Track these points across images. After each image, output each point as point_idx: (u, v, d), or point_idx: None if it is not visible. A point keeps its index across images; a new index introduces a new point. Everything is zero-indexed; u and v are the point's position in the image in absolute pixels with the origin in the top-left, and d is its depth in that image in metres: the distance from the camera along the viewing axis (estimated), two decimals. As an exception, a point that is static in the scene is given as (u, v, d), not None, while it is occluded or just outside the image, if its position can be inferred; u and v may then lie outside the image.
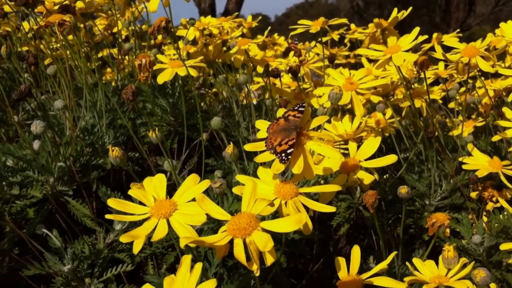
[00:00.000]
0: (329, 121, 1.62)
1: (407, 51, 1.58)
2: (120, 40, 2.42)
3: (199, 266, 0.84)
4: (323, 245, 1.78)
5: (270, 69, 1.81)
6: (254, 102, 2.30)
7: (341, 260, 1.19)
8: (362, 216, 1.65)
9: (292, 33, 1.92)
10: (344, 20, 1.94)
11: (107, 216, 0.96)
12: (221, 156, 1.72)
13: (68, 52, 1.83)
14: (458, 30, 3.00)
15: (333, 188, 1.13)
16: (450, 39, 1.89)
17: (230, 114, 2.16)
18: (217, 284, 1.21)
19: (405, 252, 1.54)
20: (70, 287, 1.32)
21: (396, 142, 1.98)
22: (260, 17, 2.56)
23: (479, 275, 1.08)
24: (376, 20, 1.84)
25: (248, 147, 1.13)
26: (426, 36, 1.63)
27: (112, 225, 1.44)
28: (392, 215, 1.72)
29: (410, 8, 1.84)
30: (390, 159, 1.31)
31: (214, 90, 2.71)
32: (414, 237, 1.77)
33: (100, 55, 2.76)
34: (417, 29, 1.61)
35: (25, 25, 2.16)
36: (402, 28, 1.78)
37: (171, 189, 1.03)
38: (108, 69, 2.99)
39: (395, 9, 1.88)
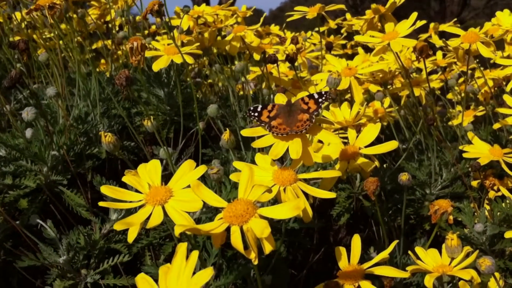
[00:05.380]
0: (327, 108, 1.60)
1: (405, 37, 1.55)
2: (114, 31, 2.39)
3: (195, 254, 0.81)
4: (323, 235, 1.76)
5: (267, 55, 1.77)
6: (251, 93, 2.27)
7: (342, 250, 1.17)
8: (362, 206, 1.63)
9: (288, 19, 1.89)
10: (342, 6, 1.91)
11: (101, 204, 0.93)
12: (218, 146, 1.69)
13: (61, 41, 1.80)
14: (455, 19, 2.97)
15: (333, 173, 1.10)
16: (450, 27, 1.86)
17: (226, 104, 2.13)
18: (216, 275, 1.19)
19: (406, 242, 1.52)
20: (65, 279, 1.29)
21: (395, 132, 1.96)
22: (254, 7, 2.53)
23: (485, 264, 1.05)
24: (373, 5, 1.81)
25: (245, 132, 1.10)
26: (424, 21, 1.60)
27: (108, 215, 1.41)
28: (392, 205, 1.70)
29: None
30: (390, 145, 1.29)
31: (209, 81, 2.68)
32: (415, 226, 1.74)
33: (94, 46, 2.72)
34: (414, 14, 1.57)
35: (17, 14, 2.13)
36: (397, 20, 1.75)
37: (167, 179, 1.00)
38: (102, 61, 2.96)
39: None
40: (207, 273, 0.78)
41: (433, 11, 15.87)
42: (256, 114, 1.13)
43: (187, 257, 0.82)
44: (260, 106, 1.14)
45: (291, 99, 1.17)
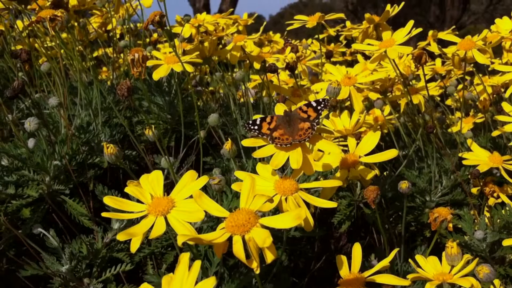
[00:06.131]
0: (327, 117, 1.61)
1: (402, 44, 1.56)
2: (115, 39, 2.40)
3: (197, 264, 0.82)
4: (324, 243, 1.76)
5: (267, 65, 1.78)
6: (252, 100, 2.28)
7: (343, 258, 1.17)
8: (363, 213, 1.63)
9: (288, 28, 1.90)
10: (341, 15, 1.92)
11: (104, 214, 0.94)
12: (219, 154, 1.70)
13: (62, 51, 1.80)
14: (454, 27, 2.98)
15: (334, 183, 1.11)
16: (447, 35, 1.87)
17: (227, 112, 2.14)
18: (218, 284, 1.20)
19: (407, 249, 1.53)
20: (68, 288, 1.30)
21: (394, 140, 1.96)
22: (256, 14, 2.54)
23: (483, 272, 1.06)
24: (368, 15, 1.83)
25: (246, 142, 1.11)
26: (420, 29, 1.60)
27: (110, 225, 1.41)
28: (392, 212, 1.70)
29: (402, 3, 1.82)
30: (390, 153, 1.29)
31: (210, 88, 2.69)
32: (415, 234, 1.75)
33: (95, 54, 2.73)
34: (411, 22, 1.59)
35: (19, 23, 2.14)
36: (396, 27, 1.76)
37: (169, 188, 1.01)
38: (104, 68, 2.97)
39: (388, 5, 1.86)
40: (210, 282, 0.78)
41: (433, 16, 15.91)
42: (256, 127, 1.13)
43: (190, 266, 0.82)
44: (258, 119, 1.14)
45: (290, 109, 1.18)
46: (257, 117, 1.16)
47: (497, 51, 2.23)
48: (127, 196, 1.04)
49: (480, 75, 2.26)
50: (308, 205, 1.03)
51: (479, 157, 1.63)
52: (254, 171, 1.12)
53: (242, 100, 2.36)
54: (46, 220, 1.50)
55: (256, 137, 1.12)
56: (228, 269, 1.30)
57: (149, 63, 1.60)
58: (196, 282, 0.81)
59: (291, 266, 1.59)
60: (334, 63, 2.98)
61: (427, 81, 2.30)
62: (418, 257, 1.20)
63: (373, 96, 1.96)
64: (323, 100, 1.14)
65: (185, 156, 1.76)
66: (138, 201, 0.99)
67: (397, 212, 1.71)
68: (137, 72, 1.20)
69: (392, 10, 1.78)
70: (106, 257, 1.38)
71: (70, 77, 2.22)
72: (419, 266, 1.19)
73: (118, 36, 2.55)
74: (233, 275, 1.22)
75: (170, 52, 1.69)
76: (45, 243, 1.29)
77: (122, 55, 2.34)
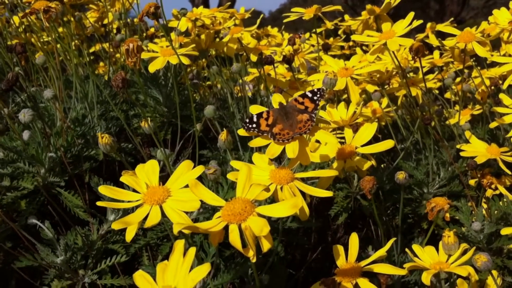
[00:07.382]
0: (324, 108, 1.60)
1: (402, 36, 1.55)
2: (111, 34, 2.39)
3: (192, 250, 0.81)
4: (321, 235, 1.76)
5: (263, 56, 1.78)
6: (249, 95, 2.27)
7: (340, 248, 1.17)
8: (360, 205, 1.63)
9: (285, 21, 1.89)
10: (339, 7, 1.91)
11: (99, 203, 0.94)
12: (216, 147, 1.69)
13: (58, 45, 1.80)
14: (452, 19, 2.98)
15: (330, 173, 1.10)
16: (446, 27, 1.87)
17: (224, 106, 2.13)
18: (214, 274, 1.19)
19: (404, 241, 1.52)
20: (63, 279, 1.29)
21: (392, 133, 1.96)
22: (252, 9, 2.53)
23: (480, 260, 1.05)
24: (368, 6, 1.82)
25: (242, 131, 1.10)
26: (421, 21, 1.60)
27: (105, 216, 1.41)
28: (390, 204, 1.70)
29: None
30: (387, 144, 1.28)
31: (208, 82, 2.69)
32: (413, 226, 1.75)
33: (92, 49, 2.73)
34: (411, 14, 1.58)
35: (15, 19, 2.13)
36: (396, 21, 1.75)
37: (165, 181, 1.00)
38: (101, 63, 2.96)
39: None
40: (204, 268, 0.78)
41: (433, 11, 15.90)
42: (254, 125, 1.10)
43: (185, 254, 0.82)
44: (255, 116, 1.12)
45: (284, 101, 1.16)
46: (253, 109, 1.15)
47: (495, 44, 2.22)
48: (122, 188, 1.03)
49: (478, 67, 2.26)
50: (304, 195, 1.02)
51: (477, 148, 1.62)
52: (250, 163, 1.11)
53: (239, 94, 2.35)
54: (41, 212, 1.49)
55: (255, 135, 1.11)
56: (224, 260, 1.30)
57: (145, 55, 1.59)
58: (191, 270, 0.80)
59: (287, 258, 1.59)
60: (333, 57, 2.98)
61: (425, 74, 2.30)
62: (415, 247, 1.20)
63: (371, 88, 1.95)
64: (318, 90, 1.13)
65: (181, 149, 1.76)
66: (134, 190, 0.99)
67: (395, 204, 1.70)
68: (131, 62, 1.19)
69: (394, 1, 1.77)
70: (102, 249, 1.38)
71: (67, 73, 2.22)
72: (416, 255, 1.18)
73: (114, 30, 2.54)
74: (229, 266, 1.22)
75: (167, 46, 1.68)
76: (40, 235, 1.28)
77: (118, 49, 2.33)
